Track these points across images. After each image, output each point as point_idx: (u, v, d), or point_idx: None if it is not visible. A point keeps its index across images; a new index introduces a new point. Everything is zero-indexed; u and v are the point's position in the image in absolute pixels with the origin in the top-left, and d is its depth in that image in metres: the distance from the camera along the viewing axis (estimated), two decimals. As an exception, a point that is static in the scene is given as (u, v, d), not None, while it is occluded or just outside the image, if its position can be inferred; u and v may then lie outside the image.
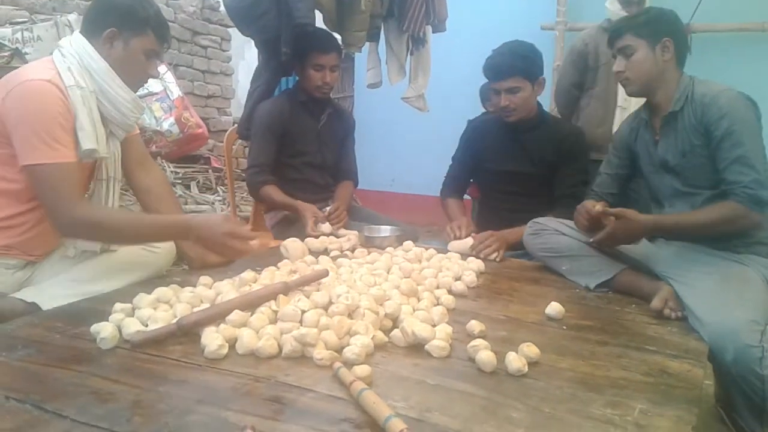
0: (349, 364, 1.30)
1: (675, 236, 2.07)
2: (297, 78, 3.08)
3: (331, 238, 2.54)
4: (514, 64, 2.56)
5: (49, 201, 1.77)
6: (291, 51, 2.88)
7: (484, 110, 4.11)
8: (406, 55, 3.55)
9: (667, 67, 2.03)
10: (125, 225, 1.86)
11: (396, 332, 1.51)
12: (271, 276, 1.87)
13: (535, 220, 2.34)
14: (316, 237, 2.54)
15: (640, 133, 2.18)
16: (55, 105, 1.74)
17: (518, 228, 2.46)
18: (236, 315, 1.50)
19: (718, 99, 1.91)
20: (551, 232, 2.25)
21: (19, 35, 3.77)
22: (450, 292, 1.90)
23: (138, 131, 2.20)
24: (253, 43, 3.18)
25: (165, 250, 2.07)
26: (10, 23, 3.91)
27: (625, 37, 2.05)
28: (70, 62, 1.82)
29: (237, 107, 5.69)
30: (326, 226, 2.64)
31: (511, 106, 2.59)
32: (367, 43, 3.49)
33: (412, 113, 3.80)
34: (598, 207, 2.07)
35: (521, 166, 2.69)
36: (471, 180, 3.04)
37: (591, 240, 2.08)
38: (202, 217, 1.77)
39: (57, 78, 1.78)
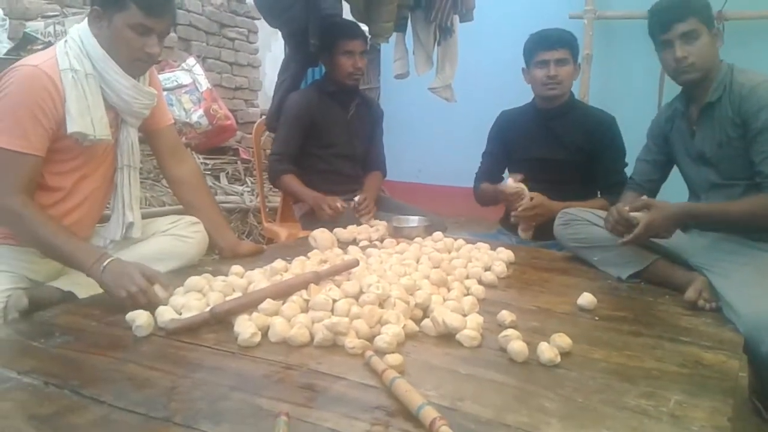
0: (381, 353, 1.30)
1: (707, 226, 2.03)
2: (324, 69, 3.08)
3: (360, 228, 2.55)
4: (566, 36, 2.65)
5: None
6: (318, 42, 2.89)
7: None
8: (434, 45, 3.53)
9: (717, 54, 1.98)
10: (39, 235, 1.71)
11: (426, 322, 1.51)
12: (301, 266, 1.88)
13: (565, 210, 2.32)
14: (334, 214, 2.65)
15: (675, 123, 2.14)
16: (34, 93, 1.72)
17: (564, 204, 2.48)
18: (268, 304, 1.51)
19: (757, 90, 1.86)
20: (582, 222, 2.23)
21: (51, 29, 3.83)
22: (480, 282, 1.90)
23: (172, 121, 2.21)
24: (279, 34, 3.19)
25: (197, 240, 2.09)
26: (42, 17, 3.97)
27: (689, 20, 1.94)
28: (70, 47, 1.82)
29: (264, 99, 5.71)
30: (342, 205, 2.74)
31: (558, 77, 2.62)
32: (394, 34, 3.48)
33: (439, 104, 3.78)
34: (625, 208, 1.98)
35: (554, 153, 2.68)
36: (503, 174, 3.01)
37: (622, 242, 1.97)
38: (104, 277, 1.63)
39: (50, 63, 1.77)
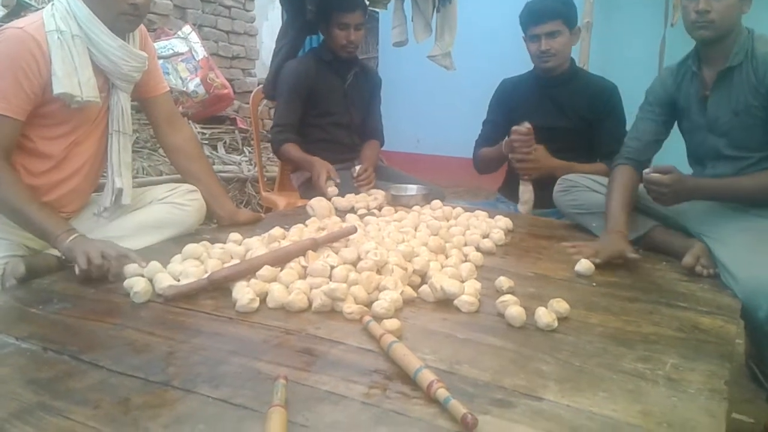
0: (379, 319, 1.31)
1: (717, 200, 1.99)
2: (322, 37, 3.05)
3: (358, 197, 2.54)
4: (556, 7, 2.57)
5: None
6: (316, 9, 2.85)
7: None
8: (432, 12, 3.50)
9: (740, 18, 1.90)
10: (10, 197, 1.70)
11: (424, 288, 1.51)
12: (299, 233, 1.88)
13: (565, 177, 2.31)
14: (325, 195, 2.54)
15: (685, 85, 2.08)
16: (18, 56, 1.70)
17: (564, 163, 2.50)
18: (266, 270, 1.51)
19: None
20: (581, 189, 2.22)
21: (45, -5, 3.78)
22: (478, 249, 1.90)
23: (167, 89, 2.19)
24: (276, 2, 3.16)
25: (194, 208, 2.08)
26: (36, -16, 3.92)
27: None
28: (56, 9, 1.79)
29: (261, 68, 5.66)
30: (333, 189, 2.63)
31: (551, 50, 2.57)
32: (393, 0, 3.43)
33: (438, 72, 3.76)
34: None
35: (554, 121, 2.65)
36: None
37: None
38: (69, 245, 1.62)
39: (36, 25, 1.75)
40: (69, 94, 1.76)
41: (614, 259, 1.82)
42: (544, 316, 1.33)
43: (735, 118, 1.92)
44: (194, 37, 4.59)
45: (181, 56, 4.41)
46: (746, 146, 1.93)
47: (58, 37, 1.75)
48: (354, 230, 1.79)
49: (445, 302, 1.47)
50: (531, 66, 2.79)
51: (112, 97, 1.96)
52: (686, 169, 2.16)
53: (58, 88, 1.75)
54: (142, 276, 1.52)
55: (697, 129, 2.06)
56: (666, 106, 2.16)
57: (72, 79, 1.77)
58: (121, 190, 1.98)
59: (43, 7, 3.49)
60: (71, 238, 1.64)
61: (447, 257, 1.77)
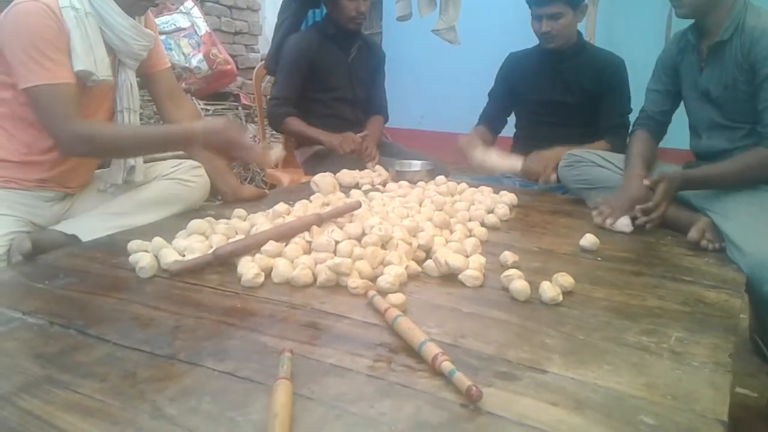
0: (383, 293, 1.31)
1: (706, 187, 1.96)
2: (325, 11, 3.02)
3: (363, 172, 2.54)
4: None
5: (46, 121, 1.73)
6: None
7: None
8: (437, -15, 3.46)
9: None
10: (124, 137, 1.84)
11: (429, 263, 1.51)
12: (303, 209, 1.88)
13: (571, 152, 2.30)
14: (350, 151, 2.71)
15: (686, 56, 2.08)
16: (45, 25, 1.69)
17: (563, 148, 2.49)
18: (271, 245, 1.51)
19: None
20: (587, 164, 2.21)
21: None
22: (482, 224, 1.89)
23: (168, 65, 2.18)
24: (279, -24, 3.11)
25: (199, 184, 2.08)
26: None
27: None
28: None
29: (264, 44, 5.60)
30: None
31: (552, 32, 2.56)
32: (397, -27, 3.39)
33: (443, 47, 3.72)
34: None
35: (559, 96, 2.64)
36: (507, 119, 2.97)
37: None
38: (204, 124, 1.80)
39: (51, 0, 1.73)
40: (88, 71, 1.76)
41: (630, 212, 1.88)
42: (549, 290, 1.33)
43: (725, 92, 1.92)
44: (196, 12, 4.54)
45: (184, 32, 4.37)
46: (737, 118, 1.94)
47: (74, 15, 1.74)
48: (358, 205, 1.79)
49: (450, 277, 1.47)
50: (537, 40, 2.77)
51: (119, 75, 1.96)
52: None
53: (78, 65, 1.74)
54: (147, 251, 1.53)
55: (695, 98, 2.06)
56: (670, 69, 2.17)
57: (89, 56, 1.77)
58: (133, 168, 1.99)
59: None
60: (201, 125, 1.83)
61: (451, 232, 1.77)
